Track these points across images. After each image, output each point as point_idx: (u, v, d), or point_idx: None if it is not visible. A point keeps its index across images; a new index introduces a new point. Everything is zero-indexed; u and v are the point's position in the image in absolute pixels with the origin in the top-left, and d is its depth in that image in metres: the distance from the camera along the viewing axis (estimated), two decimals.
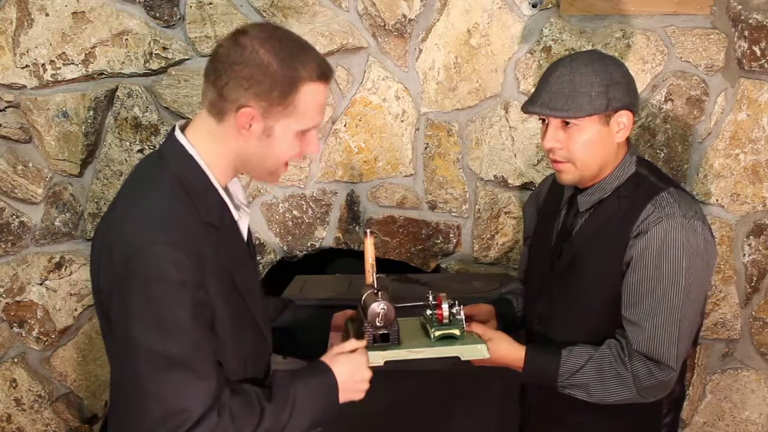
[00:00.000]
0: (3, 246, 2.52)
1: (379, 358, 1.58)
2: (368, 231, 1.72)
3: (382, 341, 1.60)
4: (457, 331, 1.64)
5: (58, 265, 2.55)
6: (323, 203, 2.50)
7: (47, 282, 2.55)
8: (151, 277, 1.25)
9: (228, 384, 1.36)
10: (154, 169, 1.40)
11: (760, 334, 2.50)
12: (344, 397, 1.49)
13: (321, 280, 2.53)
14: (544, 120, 1.71)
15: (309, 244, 2.53)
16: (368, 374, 1.51)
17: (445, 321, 1.65)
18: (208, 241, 1.33)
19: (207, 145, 1.38)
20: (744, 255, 2.45)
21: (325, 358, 1.50)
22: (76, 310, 2.57)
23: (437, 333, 1.64)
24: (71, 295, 2.56)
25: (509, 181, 2.45)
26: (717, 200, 2.42)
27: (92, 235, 2.51)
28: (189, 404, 1.28)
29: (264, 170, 1.42)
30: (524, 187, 2.46)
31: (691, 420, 2.59)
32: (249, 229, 1.53)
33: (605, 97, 1.63)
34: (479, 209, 2.48)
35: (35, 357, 2.61)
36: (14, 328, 2.58)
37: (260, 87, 1.31)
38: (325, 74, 1.39)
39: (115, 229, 1.34)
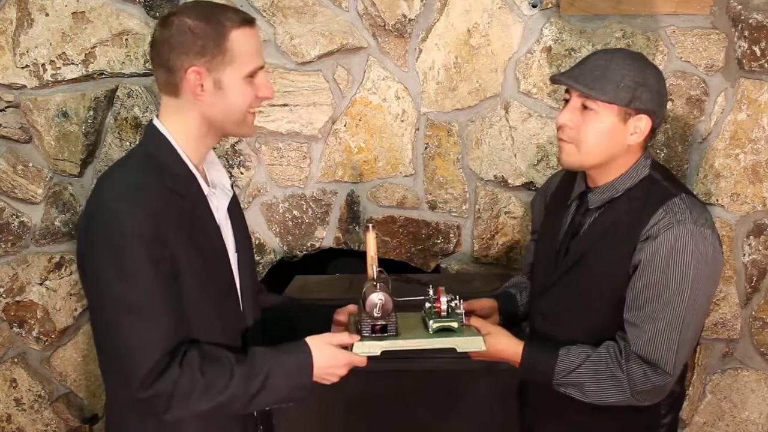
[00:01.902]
0: (3, 246, 2.52)
1: (376, 347, 1.60)
2: (370, 225, 1.73)
3: (380, 332, 1.62)
4: (455, 324, 1.65)
5: (58, 265, 2.54)
6: (323, 203, 2.50)
7: (47, 282, 2.55)
8: (109, 229, 1.39)
9: (200, 345, 1.46)
10: (132, 155, 1.57)
11: (760, 334, 2.50)
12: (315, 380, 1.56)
13: (321, 280, 2.53)
14: (566, 100, 1.71)
15: (309, 244, 2.53)
16: (343, 372, 1.58)
17: (444, 314, 1.66)
18: (170, 205, 1.46)
19: (174, 122, 1.52)
20: (744, 255, 2.45)
21: (311, 339, 1.56)
22: (76, 310, 2.57)
23: (435, 325, 1.65)
24: (71, 295, 2.56)
25: (509, 181, 2.45)
26: (717, 200, 2.42)
27: None
28: (145, 350, 1.39)
29: (232, 123, 1.53)
30: (524, 187, 2.46)
31: (691, 420, 2.59)
32: (240, 208, 1.70)
33: (632, 92, 1.62)
34: (479, 209, 2.48)
35: (35, 357, 2.61)
36: (14, 328, 2.58)
37: (196, 46, 1.46)
38: (246, 19, 1.51)
39: (89, 198, 1.51)
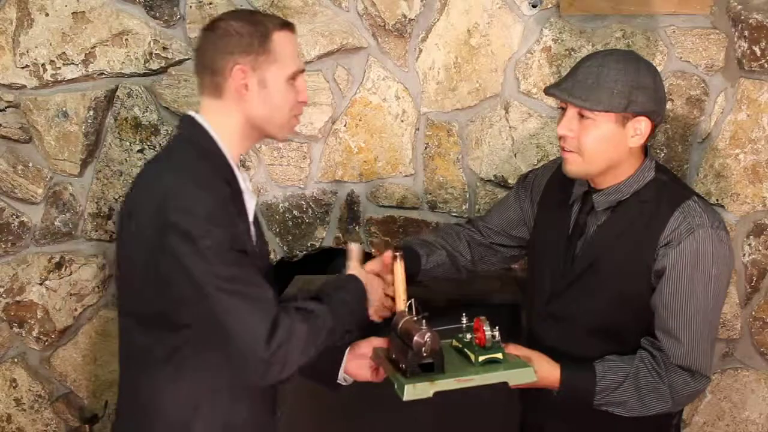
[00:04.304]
0: (3, 246, 2.52)
1: (428, 389, 1.53)
2: (398, 254, 1.69)
3: (425, 371, 1.55)
4: (500, 355, 1.60)
5: (58, 265, 2.54)
6: (323, 203, 2.50)
7: (47, 282, 2.55)
8: (183, 215, 1.39)
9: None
10: (177, 144, 1.58)
11: (760, 334, 2.50)
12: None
13: (321, 280, 2.52)
14: (563, 108, 1.71)
15: (309, 244, 2.53)
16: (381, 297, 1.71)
17: (487, 345, 1.60)
18: (229, 193, 1.49)
19: (216, 122, 1.54)
20: (744, 255, 2.45)
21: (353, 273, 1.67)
22: (76, 310, 2.57)
23: (481, 358, 1.59)
24: (71, 295, 2.55)
25: (509, 181, 2.45)
26: (717, 200, 2.42)
27: (92, 235, 2.51)
28: (262, 310, 1.41)
29: (276, 125, 1.57)
30: None
31: (691, 420, 2.58)
32: (256, 214, 1.67)
33: (626, 97, 1.62)
34: (479, 209, 2.48)
35: (35, 357, 2.61)
36: (14, 328, 2.58)
37: (241, 45, 1.51)
38: (286, 23, 1.60)
39: (144, 189, 1.50)
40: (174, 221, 1.39)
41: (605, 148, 1.66)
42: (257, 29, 1.52)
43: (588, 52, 2.33)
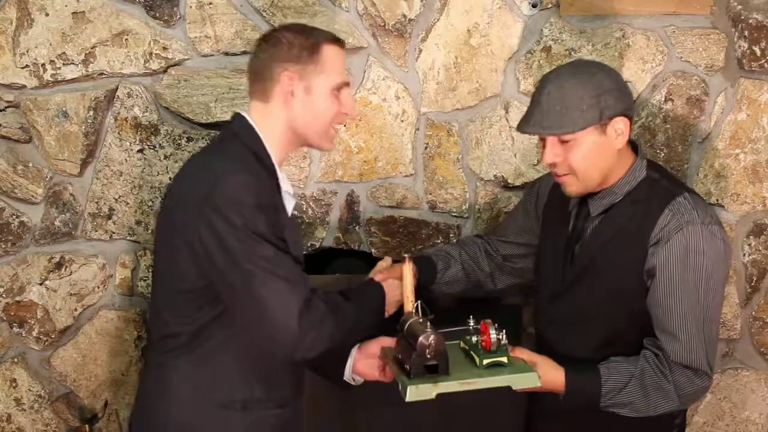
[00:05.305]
0: (3, 246, 2.52)
1: (431, 391, 1.54)
2: (407, 256, 1.73)
3: (429, 372, 1.56)
4: (505, 359, 1.61)
5: (58, 265, 2.54)
6: (323, 203, 2.50)
7: (47, 282, 2.54)
8: (231, 199, 1.50)
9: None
10: (226, 139, 1.68)
11: (760, 334, 2.50)
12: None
13: (321, 280, 2.52)
14: (542, 138, 1.71)
15: (309, 244, 2.53)
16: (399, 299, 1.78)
17: (493, 348, 1.61)
18: (272, 189, 1.61)
19: (261, 124, 1.65)
20: (744, 255, 2.45)
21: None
22: (76, 310, 2.57)
23: (486, 361, 1.60)
24: (71, 295, 2.55)
25: (509, 181, 2.45)
26: (717, 200, 2.42)
27: (92, 235, 2.51)
28: (296, 291, 1.51)
29: (316, 133, 1.67)
30: (524, 187, 2.45)
31: (691, 420, 2.58)
32: (294, 215, 1.77)
33: (597, 107, 1.62)
34: (479, 209, 2.48)
35: (35, 357, 2.61)
36: (14, 328, 2.57)
37: (291, 54, 1.63)
38: (336, 39, 1.70)
39: (194, 175, 1.61)
40: (223, 205, 1.50)
41: (595, 160, 1.67)
42: (308, 41, 1.64)
43: (588, 52, 2.34)
